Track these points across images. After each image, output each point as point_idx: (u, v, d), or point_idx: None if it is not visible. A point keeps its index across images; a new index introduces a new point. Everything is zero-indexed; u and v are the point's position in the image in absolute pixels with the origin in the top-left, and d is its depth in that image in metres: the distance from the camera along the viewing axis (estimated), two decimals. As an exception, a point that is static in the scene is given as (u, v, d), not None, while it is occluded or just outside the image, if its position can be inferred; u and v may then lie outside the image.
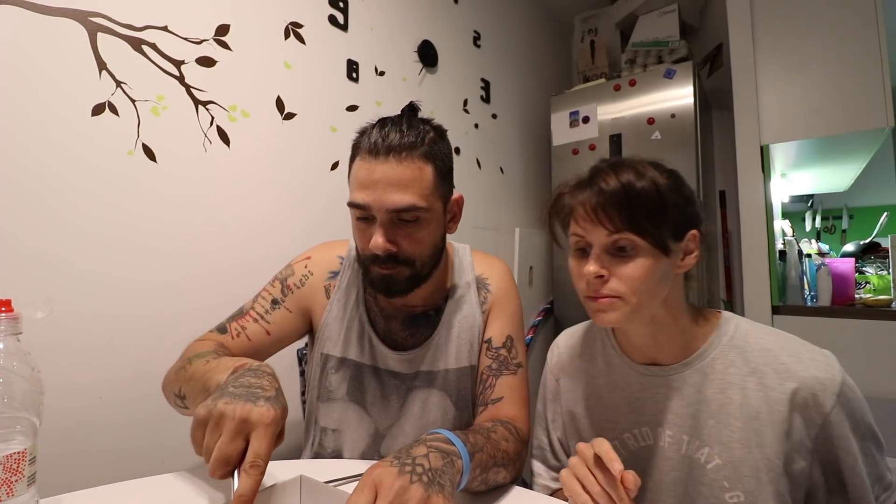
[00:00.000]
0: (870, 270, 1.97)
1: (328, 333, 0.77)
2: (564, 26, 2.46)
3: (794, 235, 2.02)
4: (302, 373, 1.07)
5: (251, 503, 0.41)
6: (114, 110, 0.87)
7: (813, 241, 2.27)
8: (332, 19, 1.27)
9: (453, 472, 0.47)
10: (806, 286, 1.62)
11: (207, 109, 1.01)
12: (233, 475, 0.43)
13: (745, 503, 0.56)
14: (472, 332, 0.77)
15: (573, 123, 1.96)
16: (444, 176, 0.70)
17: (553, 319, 2.07)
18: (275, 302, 0.76)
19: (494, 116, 1.92)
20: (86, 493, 0.53)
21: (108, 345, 0.86)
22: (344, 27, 1.30)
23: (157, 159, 0.93)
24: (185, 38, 0.97)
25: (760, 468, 0.56)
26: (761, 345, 0.60)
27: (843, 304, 1.52)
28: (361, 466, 0.62)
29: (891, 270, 1.65)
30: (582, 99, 1.95)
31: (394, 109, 1.53)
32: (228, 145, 1.04)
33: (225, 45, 1.04)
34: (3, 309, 0.44)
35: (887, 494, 0.55)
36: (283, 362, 1.05)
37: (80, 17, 0.83)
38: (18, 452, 0.42)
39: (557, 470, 0.75)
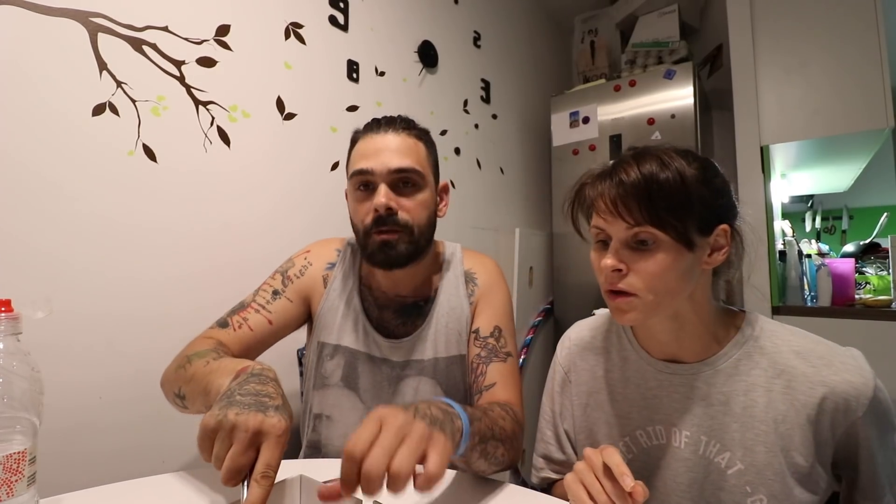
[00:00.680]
0: (870, 271, 1.97)
1: (324, 322, 0.80)
2: (564, 27, 2.46)
3: (794, 236, 2.02)
4: (302, 373, 1.07)
5: None
6: (114, 110, 0.87)
7: (813, 241, 2.26)
8: (333, 19, 1.28)
9: (453, 426, 0.48)
10: (806, 287, 1.62)
11: (208, 109, 1.01)
12: (243, 483, 0.43)
13: None
14: (460, 323, 0.80)
15: (573, 124, 1.96)
16: (434, 162, 0.80)
17: (553, 320, 2.07)
18: (276, 293, 0.79)
19: (494, 117, 1.92)
20: (86, 493, 0.53)
21: (108, 344, 0.86)
22: (344, 27, 1.30)
23: (157, 159, 0.93)
24: (186, 39, 0.97)
25: (785, 472, 0.54)
26: (789, 346, 0.57)
27: (843, 304, 1.52)
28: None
29: (891, 271, 1.65)
30: (582, 99, 1.95)
31: (394, 110, 1.54)
32: (229, 145, 1.04)
33: (225, 46, 1.04)
34: (3, 309, 0.44)
35: None
36: (284, 361, 1.05)
37: (81, 17, 0.83)
38: (18, 452, 0.42)
39: (560, 464, 0.74)
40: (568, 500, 0.52)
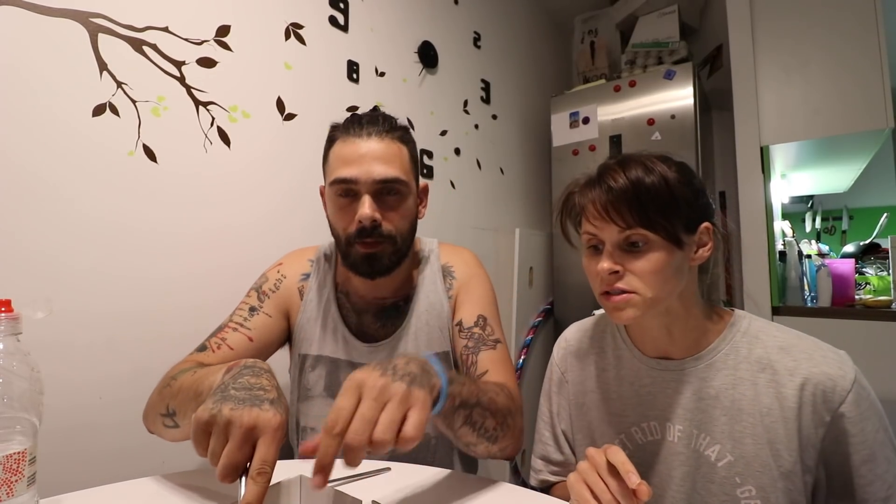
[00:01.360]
0: (870, 271, 1.97)
1: (303, 335, 0.79)
2: (564, 27, 2.47)
3: (794, 236, 2.02)
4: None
5: None
6: (114, 111, 0.87)
7: (813, 241, 2.27)
8: (333, 20, 1.28)
9: (430, 382, 0.48)
10: (806, 287, 1.62)
11: (208, 110, 1.01)
12: (240, 479, 0.43)
13: (757, 497, 0.56)
14: (441, 319, 0.79)
15: (573, 124, 1.96)
16: (415, 163, 0.78)
17: (553, 320, 2.07)
18: (252, 309, 0.77)
19: (494, 117, 1.92)
20: (86, 493, 0.53)
21: (108, 344, 0.86)
22: (344, 28, 1.31)
23: (157, 160, 0.93)
24: (186, 39, 0.97)
25: (771, 465, 0.56)
26: (774, 342, 0.59)
27: (843, 304, 1.52)
28: (360, 467, 0.62)
29: (891, 271, 1.65)
30: (582, 100, 1.95)
31: (394, 110, 1.54)
32: (229, 146, 1.04)
33: (225, 46, 1.04)
34: (3, 309, 0.44)
35: None
36: (283, 361, 1.05)
37: (81, 17, 0.83)
38: (18, 453, 0.42)
39: (559, 465, 0.74)
40: (569, 500, 0.52)
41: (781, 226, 2.02)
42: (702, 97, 1.78)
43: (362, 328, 0.80)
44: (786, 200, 2.71)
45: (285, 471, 0.55)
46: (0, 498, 0.41)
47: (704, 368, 0.62)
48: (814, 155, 1.85)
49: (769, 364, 0.58)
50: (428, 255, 0.84)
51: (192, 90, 0.98)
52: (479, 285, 0.82)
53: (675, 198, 0.56)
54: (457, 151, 1.70)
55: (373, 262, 0.72)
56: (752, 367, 0.59)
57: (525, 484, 0.76)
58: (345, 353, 0.78)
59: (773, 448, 0.56)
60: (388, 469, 0.61)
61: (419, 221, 0.82)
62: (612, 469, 0.49)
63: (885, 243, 1.99)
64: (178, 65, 0.96)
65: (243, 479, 0.43)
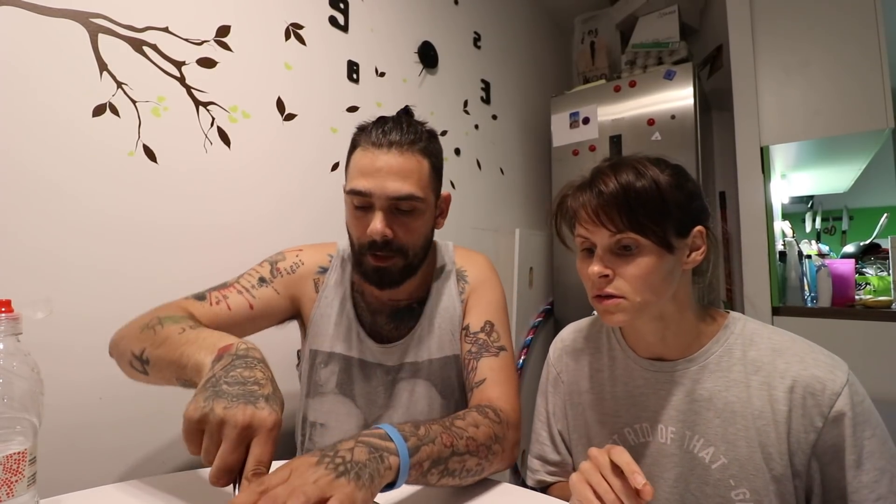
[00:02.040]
0: (870, 271, 1.97)
1: (316, 330, 0.79)
2: (564, 27, 2.47)
3: (794, 236, 2.02)
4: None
5: None
6: (114, 111, 0.87)
7: (813, 242, 2.27)
8: (333, 20, 1.28)
9: (380, 467, 0.44)
10: (806, 287, 1.62)
11: (208, 110, 1.01)
12: (234, 484, 0.42)
13: (751, 500, 0.56)
14: (453, 322, 0.79)
15: (573, 124, 1.96)
16: (437, 173, 0.76)
17: (553, 320, 2.07)
18: (262, 280, 0.77)
19: (495, 117, 1.92)
20: (86, 493, 0.53)
21: (108, 345, 0.86)
22: (344, 28, 1.31)
23: (157, 160, 0.93)
24: (186, 39, 0.97)
25: (764, 468, 0.55)
26: (768, 344, 0.59)
27: (843, 305, 1.52)
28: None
29: (891, 271, 1.65)
30: (582, 100, 1.95)
31: (394, 110, 1.54)
32: (229, 146, 1.04)
33: (226, 46, 1.04)
34: (3, 309, 0.44)
35: None
36: (284, 363, 1.05)
37: (81, 17, 0.83)
38: (18, 453, 0.42)
39: (555, 465, 0.74)
40: (568, 500, 0.52)
41: (781, 226, 2.02)
42: (702, 97, 1.78)
43: (376, 328, 0.80)
44: (786, 200, 2.71)
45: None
46: (0, 498, 0.41)
47: (697, 370, 0.62)
48: (814, 155, 1.85)
49: (762, 367, 0.58)
50: (443, 259, 0.84)
51: (193, 90, 0.98)
52: (490, 290, 0.81)
53: (666, 202, 0.56)
54: (457, 152, 1.70)
55: (382, 275, 0.72)
56: (745, 370, 0.59)
57: (525, 484, 0.76)
58: (358, 352, 0.78)
59: (764, 451, 0.56)
60: None
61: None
62: (616, 469, 0.48)
63: (885, 243, 1.99)
64: (179, 65, 0.96)
65: (237, 480, 0.42)
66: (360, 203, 0.70)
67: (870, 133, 1.48)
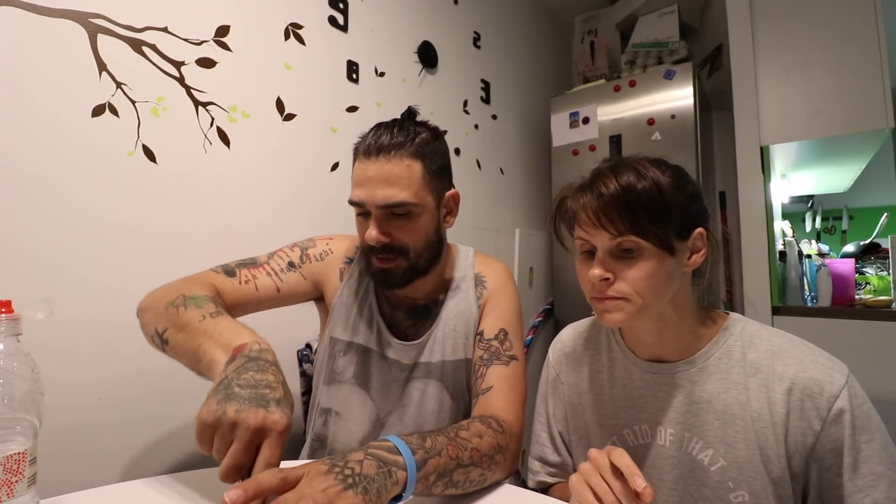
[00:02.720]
0: (870, 271, 1.97)
1: (337, 317, 0.81)
2: (564, 27, 2.46)
3: (794, 236, 2.02)
4: (302, 373, 1.07)
5: None
6: (114, 111, 0.87)
7: (813, 241, 2.27)
8: (333, 20, 1.28)
9: (387, 482, 0.45)
10: (806, 287, 1.62)
11: (207, 110, 1.01)
12: (242, 480, 0.43)
13: (750, 502, 0.56)
14: (468, 326, 0.80)
15: (573, 124, 1.96)
16: (436, 173, 0.75)
17: (553, 320, 2.07)
18: (291, 264, 0.80)
19: (494, 117, 1.92)
20: (86, 493, 0.53)
21: (107, 345, 0.86)
22: (344, 28, 1.31)
23: (157, 160, 0.93)
24: (186, 40, 0.97)
25: (762, 470, 0.55)
26: (767, 346, 0.59)
27: (844, 304, 1.52)
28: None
29: (891, 271, 1.65)
30: (582, 100, 1.95)
31: (394, 110, 1.54)
32: (228, 146, 1.04)
33: (225, 46, 1.04)
34: (4, 310, 0.44)
35: None
36: (284, 362, 1.05)
37: (80, 18, 0.83)
38: (19, 453, 0.42)
39: (555, 466, 0.74)
40: (568, 501, 0.52)
41: (781, 226, 2.02)
42: (702, 97, 1.78)
43: (395, 322, 0.81)
44: (786, 200, 2.71)
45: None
46: (0, 498, 0.41)
47: (696, 372, 0.61)
48: (814, 155, 1.85)
49: (760, 369, 0.58)
50: (463, 263, 0.85)
51: (192, 90, 0.98)
52: (506, 298, 0.82)
53: (668, 204, 0.56)
54: (457, 151, 1.70)
55: (387, 276, 0.74)
56: (744, 372, 0.59)
57: (525, 485, 0.76)
58: (376, 344, 0.79)
59: (763, 454, 0.56)
60: None
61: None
62: (615, 470, 0.48)
63: (885, 243, 1.99)
64: (178, 65, 0.96)
65: (245, 479, 0.43)
66: (359, 211, 0.74)
67: (870, 133, 1.48)
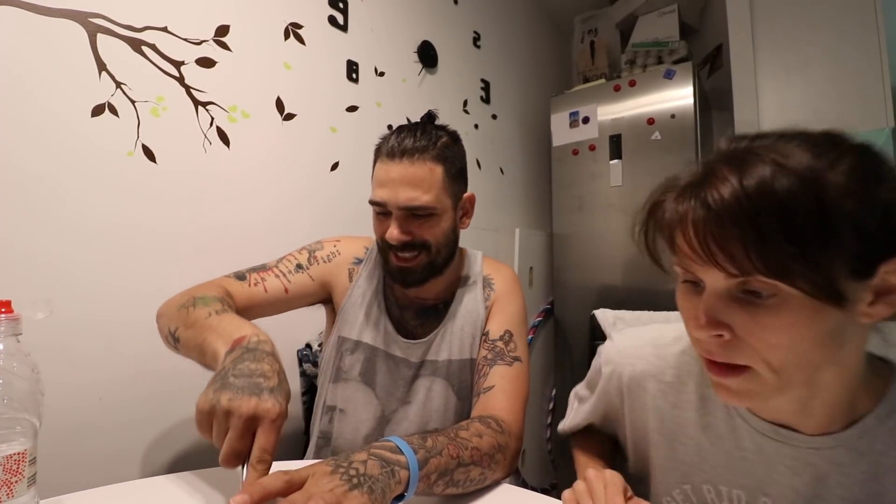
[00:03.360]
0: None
1: (346, 317, 0.82)
2: (564, 27, 2.46)
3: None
4: (302, 373, 1.07)
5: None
6: (113, 111, 0.87)
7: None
8: (332, 20, 1.28)
9: (391, 481, 0.46)
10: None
11: (207, 110, 1.01)
12: (242, 466, 0.45)
13: None
14: (475, 326, 0.81)
15: (573, 124, 1.96)
16: (455, 176, 0.79)
17: (553, 320, 2.07)
18: (299, 266, 0.82)
19: (494, 117, 1.92)
20: (86, 493, 0.53)
21: (108, 346, 0.86)
22: (344, 28, 1.30)
23: (156, 160, 0.93)
24: (185, 39, 0.97)
25: None
26: None
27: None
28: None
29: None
30: (582, 99, 1.95)
31: (394, 110, 1.54)
32: (228, 146, 1.04)
33: (225, 46, 1.04)
34: (4, 310, 0.44)
35: None
36: (284, 363, 1.05)
37: (80, 17, 0.83)
38: (18, 453, 0.42)
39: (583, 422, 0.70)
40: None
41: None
42: (702, 97, 1.78)
43: (403, 323, 0.83)
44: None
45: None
46: (0, 498, 0.41)
47: (843, 453, 0.43)
48: (814, 154, 1.85)
49: None
50: (471, 265, 0.88)
51: (192, 90, 0.98)
52: (513, 301, 0.84)
53: (832, 221, 0.33)
54: (456, 151, 1.69)
55: (406, 274, 0.76)
56: None
57: (525, 484, 0.76)
58: (384, 344, 0.81)
59: None
60: None
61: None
62: (611, 496, 0.45)
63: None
64: (178, 65, 0.96)
65: (245, 465, 0.45)
66: (380, 210, 0.76)
67: (870, 133, 1.48)
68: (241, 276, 0.77)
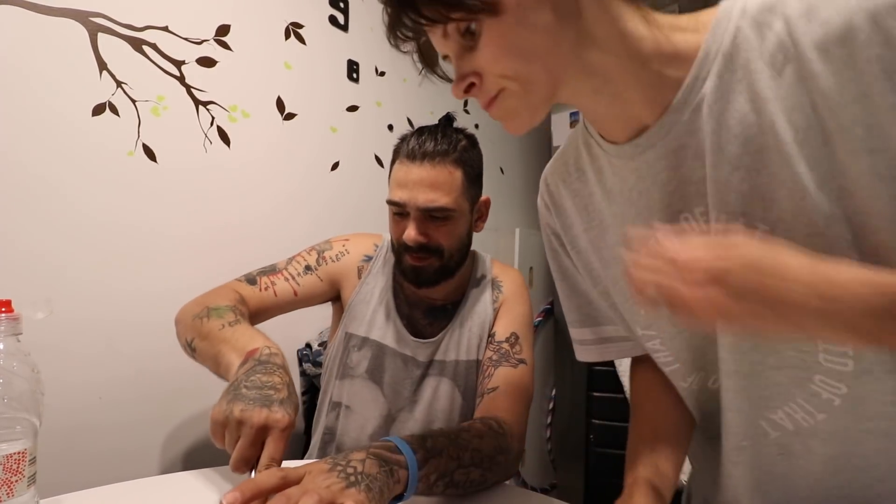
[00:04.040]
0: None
1: (354, 313, 0.83)
2: (565, 27, 2.46)
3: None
4: (302, 373, 1.08)
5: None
6: (114, 110, 0.87)
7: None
8: (333, 20, 1.28)
9: (389, 480, 0.46)
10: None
11: (208, 110, 1.01)
12: (250, 472, 0.48)
13: None
14: (483, 328, 0.82)
15: (573, 123, 1.96)
16: (473, 180, 0.80)
17: (553, 320, 2.07)
18: (308, 268, 0.83)
19: (494, 117, 1.92)
20: (86, 493, 0.53)
21: (108, 345, 0.86)
22: (344, 27, 1.30)
23: (157, 159, 0.93)
24: (186, 39, 0.97)
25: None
26: (796, 4, 0.34)
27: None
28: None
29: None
30: (582, 99, 1.95)
31: (394, 110, 1.54)
32: (229, 145, 1.04)
33: (225, 46, 1.04)
34: (4, 309, 0.44)
35: None
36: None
37: (81, 17, 0.83)
38: (18, 453, 0.43)
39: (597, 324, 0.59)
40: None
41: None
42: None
43: (412, 321, 0.83)
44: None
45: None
46: (0, 498, 0.41)
47: (693, 112, 0.40)
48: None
49: (796, 43, 0.34)
50: (481, 268, 0.89)
51: (192, 90, 0.98)
52: (520, 304, 0.86)
53: None
54: (457, 151, 1.70)
55: (419, 274, 0.77)
56: (766, 63, 0.36)
57: (525, 484, 0.76)
58: (392, 341, 0.82)
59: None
60: None
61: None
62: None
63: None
64: (178, 64, 0.96)
65: (253, 473, 0.47)
66: (397, 210, 0.77)
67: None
68: (251, 280, 0.78)
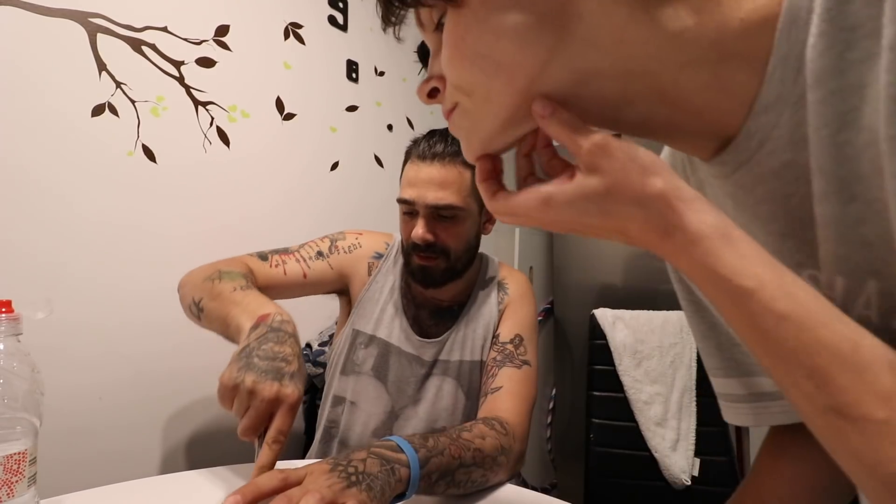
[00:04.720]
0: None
1: (362, 311, 0.84)
2: (564, 26, 2.47)
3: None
4: (302, 373, 1.08)
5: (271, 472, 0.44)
6: (113, 111, 0.87)
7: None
8: (332, 20, 1.28)
9: (390, 479, 0.46)
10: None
11: (207, 110, 1.01)
12: (256, 442, 0.49)
13: None
14: (487, 329, 0.83)
15: (573, 124, 1.96)
16: None
17: (553, 320, 2.07)
18: (320, 254, 0.84)
19: (494, 117, 1.92)
20: (86, 493, 0.53)
21: (108, 346, 0.86)
22: (343, 27, 1.30)
23: (156, 160, 0.93)
24: (185, 39, 0.97)
25: None
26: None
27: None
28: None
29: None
30: (581, 99, 1.95)
31: (394, 110, 1.54)
32: (228, 146, 1.04)
33: (225, 46, 1.04)
34: (4, 310, 0.44)
35: None
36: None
37: (80, 17, 0.83)
38: (19, 453, 0.43)
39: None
40: None
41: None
42: (701, 96, 1.78)
43: (418, 321, 0.85)
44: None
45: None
46: (1, 498, 0.41)
47: (792, 118, 0.28)
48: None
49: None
50: (488, 270, 0.90)
51: (192, 90, 0.98)
52: (525, 306, 0.86)
53: None
54: (456, 151, 1.70)
55: (426, 274, 0.79)
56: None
57: (525, 483, 0.77)
58: (398, 340, 0.83)
59: None
60: None
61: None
62: None
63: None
64: (178, 65, 0.96)
65: (258, 442, 0.48)
66: (406, 209, 0.79)
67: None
68: (263, 257, 0.79)
